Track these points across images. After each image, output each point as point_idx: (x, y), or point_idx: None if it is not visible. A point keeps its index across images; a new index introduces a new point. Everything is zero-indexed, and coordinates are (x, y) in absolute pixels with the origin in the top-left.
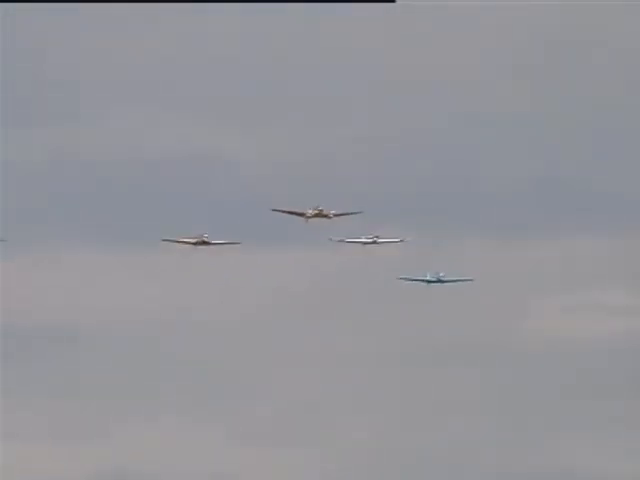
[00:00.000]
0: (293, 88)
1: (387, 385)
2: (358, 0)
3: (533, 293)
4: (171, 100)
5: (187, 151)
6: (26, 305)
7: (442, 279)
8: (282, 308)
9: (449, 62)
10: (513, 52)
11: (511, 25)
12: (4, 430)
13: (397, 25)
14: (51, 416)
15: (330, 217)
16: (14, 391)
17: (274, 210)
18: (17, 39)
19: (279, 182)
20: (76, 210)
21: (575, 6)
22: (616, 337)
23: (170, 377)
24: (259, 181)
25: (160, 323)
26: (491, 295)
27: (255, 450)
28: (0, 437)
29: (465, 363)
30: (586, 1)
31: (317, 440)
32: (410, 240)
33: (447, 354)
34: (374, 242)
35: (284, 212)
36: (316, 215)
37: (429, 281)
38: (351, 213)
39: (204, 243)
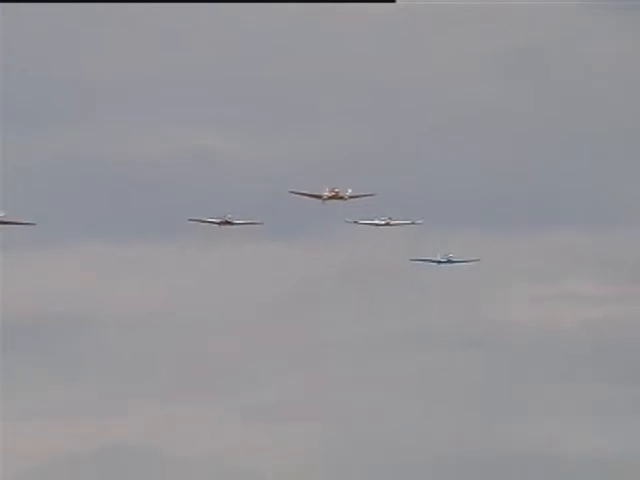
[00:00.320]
0: (292, 89)
1: (381, 366)
2: (358, 0)
3: (506, 281)
4: (174, 99)
5: (192, 148)
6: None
7: (451, 259)
8: (298, 289)
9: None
10: (513, 51)
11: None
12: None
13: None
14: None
15: (345, 198)
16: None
17: (291, 192)
18: (15, 39)
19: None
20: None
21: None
22: (586, 324)
23: (175, 360)
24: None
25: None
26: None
27: (255, 428)
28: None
29: (436, 348)
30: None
31: (316, 418)
32: (421, 222)
33: (419, 339)
34: (387, 224)
35: (301, 194)
36: (332, 197)
37: (439, 261)
38: (365, 195)
39: (228, 223)
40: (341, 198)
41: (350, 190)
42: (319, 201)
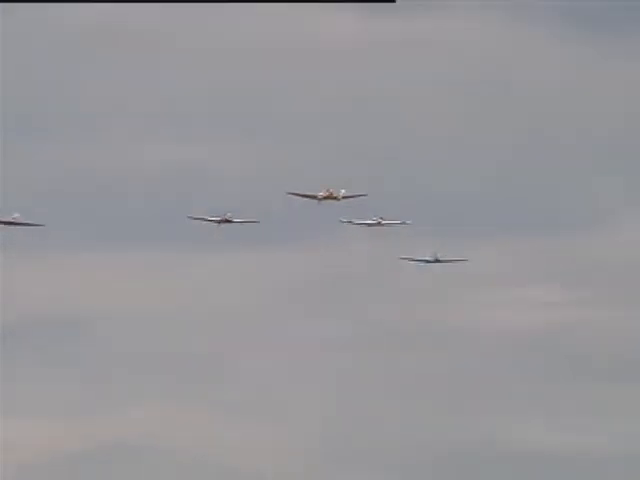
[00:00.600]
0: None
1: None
2: (358, 0)
3: (471, 286)
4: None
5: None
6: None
7: (439, 259)
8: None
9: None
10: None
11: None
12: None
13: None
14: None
15: (339, 199)
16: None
17: (289, 193)
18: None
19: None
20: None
21: None
22: (550, 327)
23: (172, 360)
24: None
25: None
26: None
27: (236, 425)
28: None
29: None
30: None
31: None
32: (410, 222)
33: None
34: (379, 224)
35: (298, 195)
36: (327, 197)
37: (428, 261)
38: (357, 195)
39: (227, 221)
40: (335, 198)
41: (343, 191)
42: (314, 201)
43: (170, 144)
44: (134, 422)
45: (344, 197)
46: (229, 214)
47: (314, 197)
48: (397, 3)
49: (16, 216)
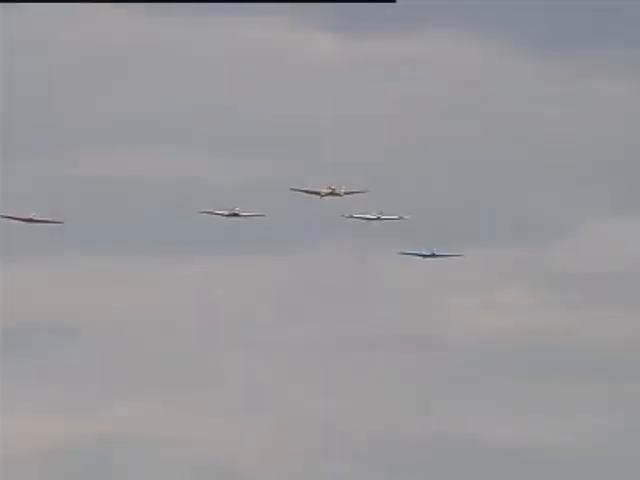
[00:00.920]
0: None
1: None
2: (358, 0)
3: (445, 289)
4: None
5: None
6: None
7: (435, 253)
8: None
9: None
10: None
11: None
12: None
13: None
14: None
15: (341, 195)
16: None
17: (292, 189)
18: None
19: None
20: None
21: None
22: (516, 329)
23: (158, 361)
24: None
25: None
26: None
27: (222, 420)
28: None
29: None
30: None
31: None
32: (409, 218)
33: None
34: (378, 218)
35: (301, 191)
36: (329, 193)
37: (424, 255)
38: (358, 192)
39: (235, 215)
40: (337, 195)
41: (344, 187)
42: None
43: (170, 154)
44: (120, 418)
45: (345, 193)
46: (237, 208)
47: (317, 193)
48: (372, 26)
49: (34, 214)
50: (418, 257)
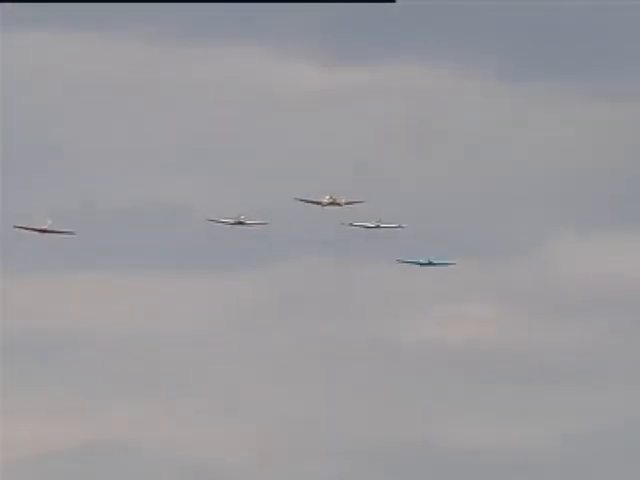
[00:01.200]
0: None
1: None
2: (358, 0)
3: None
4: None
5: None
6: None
7: (432, 262)
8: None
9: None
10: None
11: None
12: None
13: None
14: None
15: (342, 205)
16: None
17: (296, 199)
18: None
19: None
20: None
21: None
22: (479, 340)
23: (149, 369)
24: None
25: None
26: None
27: (207, 423)
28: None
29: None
30: None
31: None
32: (406, 226)
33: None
34: (377, 227)
35: (304, 201)
36: (330, 203)
37: (422, 263)
38: (358, 202)
39: (240, 223)
40: (338, 204)
41: (344, 198)
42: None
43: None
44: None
45: (346, 203)
46: (242, 216)
47: (319, 203)
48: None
49: (49, 223)
50: (416, 265)
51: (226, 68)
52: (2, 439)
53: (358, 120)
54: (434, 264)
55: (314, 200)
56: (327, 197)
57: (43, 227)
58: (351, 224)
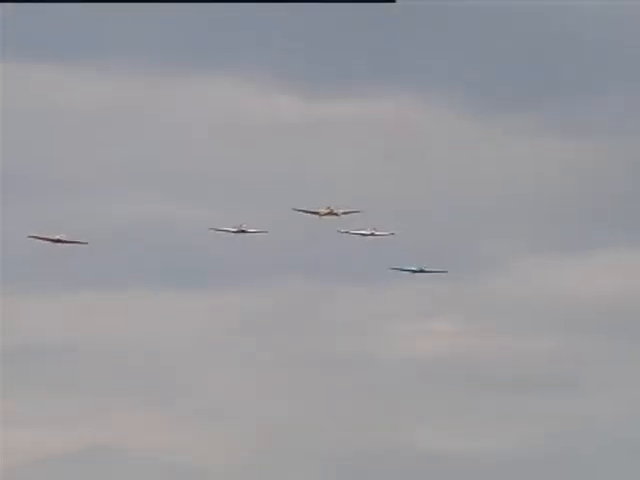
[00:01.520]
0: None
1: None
2: (358, 0)
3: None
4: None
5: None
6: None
7: (424, 269)
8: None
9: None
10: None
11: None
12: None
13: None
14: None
15: (339, 215)
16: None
17: (294, 209)
18: None
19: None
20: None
21: None
22: (449, 352)
23: (139, 377)
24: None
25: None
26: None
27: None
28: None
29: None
30: None
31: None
32: (398, 234)
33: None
34: (372, 234)
35: (302, 211)
36: (328, 213)
37: (414, 271)
38: (354, 212)
39: (242, 232)
40: (335, 214)
41: (341, 209)
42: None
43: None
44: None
45: (343, 213)
46: (244, 225)
47: (316, 213)
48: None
49: (62, 235)
50: (407, 272)
51: (222, 97)
52: (1, 444)
53: (347, 149)
54: (426, 272)
55: (312, 210)
56: (325, 208)
57: (57, 237)
58: (347, 232)
